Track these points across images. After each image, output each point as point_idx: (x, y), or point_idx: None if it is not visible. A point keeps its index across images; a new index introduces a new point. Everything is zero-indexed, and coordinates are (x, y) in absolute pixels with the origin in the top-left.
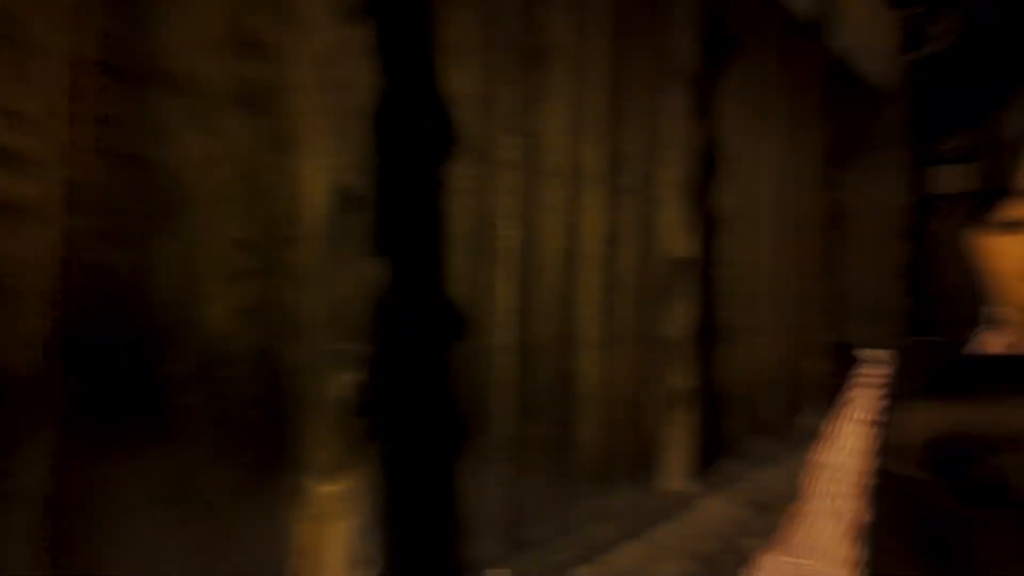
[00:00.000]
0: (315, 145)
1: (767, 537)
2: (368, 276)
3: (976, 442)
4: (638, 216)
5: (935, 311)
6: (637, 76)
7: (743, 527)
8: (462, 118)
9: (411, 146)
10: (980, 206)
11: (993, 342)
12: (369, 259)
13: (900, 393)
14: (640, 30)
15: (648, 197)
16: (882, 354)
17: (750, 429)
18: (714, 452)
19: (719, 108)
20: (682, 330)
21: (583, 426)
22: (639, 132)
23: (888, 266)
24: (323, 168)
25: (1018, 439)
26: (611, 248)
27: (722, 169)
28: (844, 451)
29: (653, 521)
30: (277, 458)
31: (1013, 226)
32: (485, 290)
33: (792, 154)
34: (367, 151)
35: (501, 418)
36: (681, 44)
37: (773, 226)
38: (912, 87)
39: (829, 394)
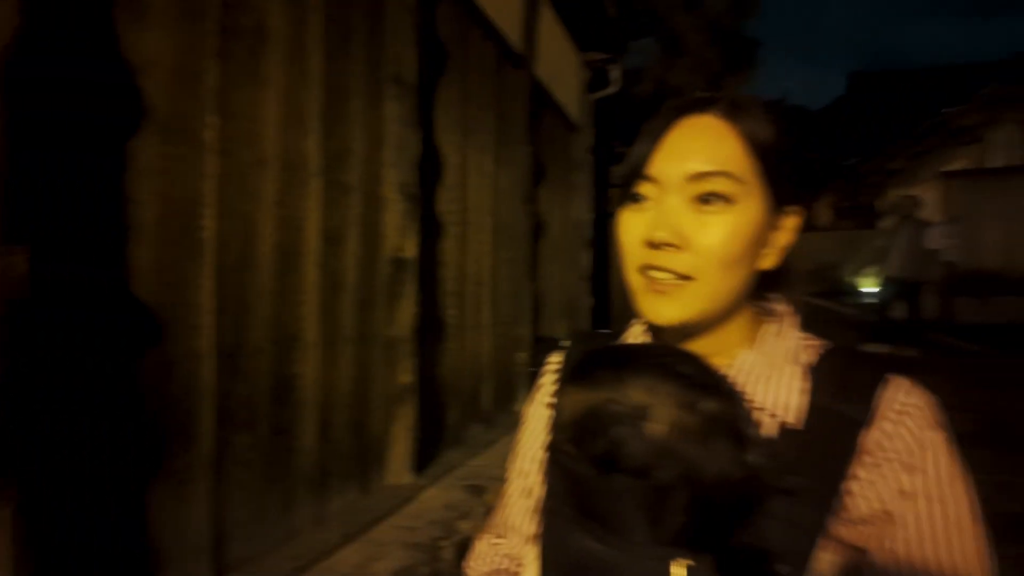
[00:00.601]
0: None
1: (482, 518)
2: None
3: (601, 418)
4: (361, 215)
5: (611, 308)
6: (359, 76)
7: (461, 511)
8: (151, 88)
9: (73, 111)
10: (623, 196)
11: (635, 333)
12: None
13: (565, 378)
14: (360, 31)
15: (371, 197)
16: (564, 345)
17: (470, 419)
18: (436, 444)
19: (438, 119)
20: (404, 328)
21: (303, 431)
22: (362, 132)
23: (576, 271)
24: None
25: (629, 415)
26: (332, 246)
27: (440, 176)
28: (533, 433)
29: (376, 519)
30: None
31: (635, 198)
32: (183, 288)
33: (501, 169)
34: None
35: (206, 430)
36: (400, 52)
37: (486, 232)
38: (596, 120)
39: (533, 383)
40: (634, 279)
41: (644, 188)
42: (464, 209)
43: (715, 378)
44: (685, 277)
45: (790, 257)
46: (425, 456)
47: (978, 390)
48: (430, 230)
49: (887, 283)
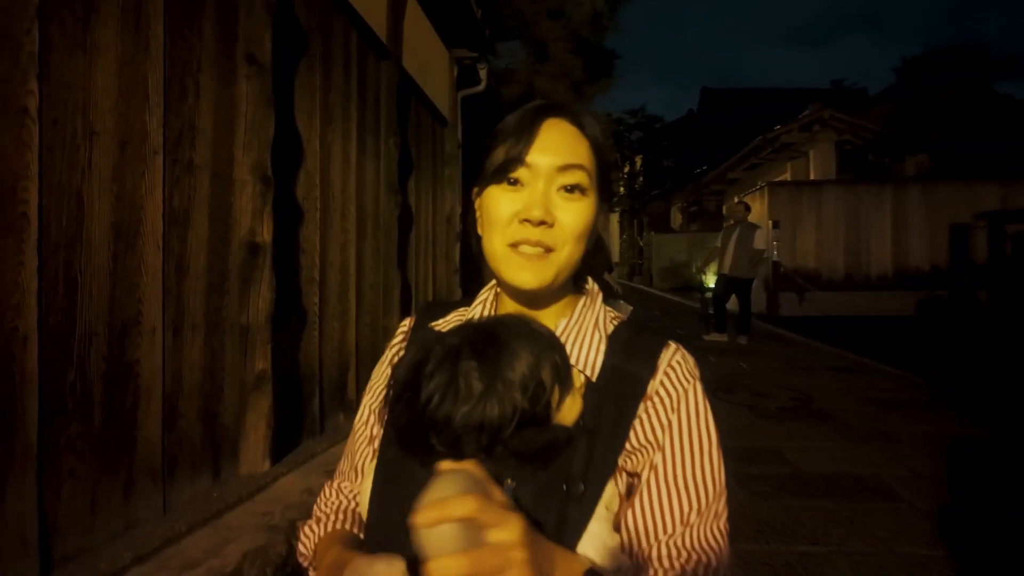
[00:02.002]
0: None
1: None
2: None
3: (420, 366)
4: (210, 196)
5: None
6: (209, 53)
7: (318, 494)
8: None
9: None
10: (494, 177)
11: (482, 300)
12: None
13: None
14: (209, 6)
15: (223, 178)
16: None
17: (336, 407)
18: (296, 433)
19: (298, 103)
20: (259, 315)
21: (145, 420)
22: (211, 110)
23: (446, 262)
24: None
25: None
26: (177, 227)
27: (300, 161)
28: (377, 388)
29: (229, 506)
30: None
31: (510, 181)
32: (2, 265)
33: (366, 158)
34: None
35: (29, 418)
36: (254, 31)
37: (350, 221)
38: (465, 117)
39: None
40: (502, 251)
41: (519, 172)
42: (326, 196)
43: (556, 340)
44: (549, 249)
45: (601, 242)
46: (284, 445)
47: (795, 372)
48: (289, 216)
49: (721, 279)
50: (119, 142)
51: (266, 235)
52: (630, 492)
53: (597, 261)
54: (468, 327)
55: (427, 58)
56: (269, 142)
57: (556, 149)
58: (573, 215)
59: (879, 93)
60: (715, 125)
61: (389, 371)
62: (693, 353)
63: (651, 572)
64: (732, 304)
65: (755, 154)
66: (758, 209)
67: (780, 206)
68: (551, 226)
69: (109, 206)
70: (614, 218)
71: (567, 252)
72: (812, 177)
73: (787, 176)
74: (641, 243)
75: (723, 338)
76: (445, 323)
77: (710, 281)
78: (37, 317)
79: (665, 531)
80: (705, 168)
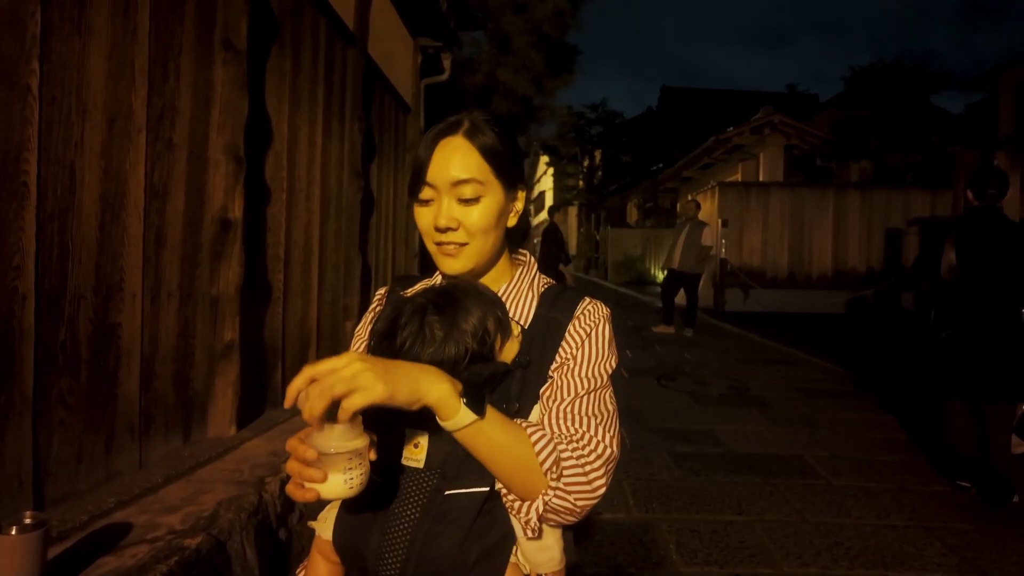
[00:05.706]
0: None
1: None
2: None
3: (395, 320)
4: (187, 173)
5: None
6: (189, 37)
7: (285, 457)
8: None
9: None
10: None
11: (437, 278)
12: None
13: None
14: None
15: (198, 157)
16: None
17: None
18: (260, 402)
19: (268, 87)
20: (229, 288)
21: (126, 379)
22: (190, 92)
23: (406, 247)
24: None
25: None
26: (157, 201)
27: (269, 143)
28: (361, 336)
29: (200, 464)
30: None
31: (421, 201)
32: (5, 229)
33: (331, 141)
34: None
35: (27, 370)
36: (231, 18)
37: (314, 202)
38: (427, 105)
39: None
40: (433, 250)
41: (426, 192)
42: (293, 177)
43: (498, 299)
44: (463, 244)
45: (525, 218)
46: (249, 413)
47: (734, 363)
48: (258, 195)
49: (669, 274)
50: (108, 120)
51: (237, 212)
52: None
53: (518, 233)
54: (431, 290)
55: (392, 46)
56: (243, 124)
57: (449, 168)
58: (474, 217)
59: (829, 99)
60: (673, 123)
61: (370, 326)
62: (641, 344)
63: (547, 428)
64: (681, 298)
65: (708, 154)
66: (708, 208)
67: (729, 205)
68: (456, 229)
69: (97, 179)
70: (572, 211)
71: (478, 243)
72: (761, 179)
73: (738, 177)
74: (597, 237)
75: (670, 330)
76: (412, 291)
77: (661, 275)
78: (34, 278)
79: (562, 399)
80: (661, 165)
